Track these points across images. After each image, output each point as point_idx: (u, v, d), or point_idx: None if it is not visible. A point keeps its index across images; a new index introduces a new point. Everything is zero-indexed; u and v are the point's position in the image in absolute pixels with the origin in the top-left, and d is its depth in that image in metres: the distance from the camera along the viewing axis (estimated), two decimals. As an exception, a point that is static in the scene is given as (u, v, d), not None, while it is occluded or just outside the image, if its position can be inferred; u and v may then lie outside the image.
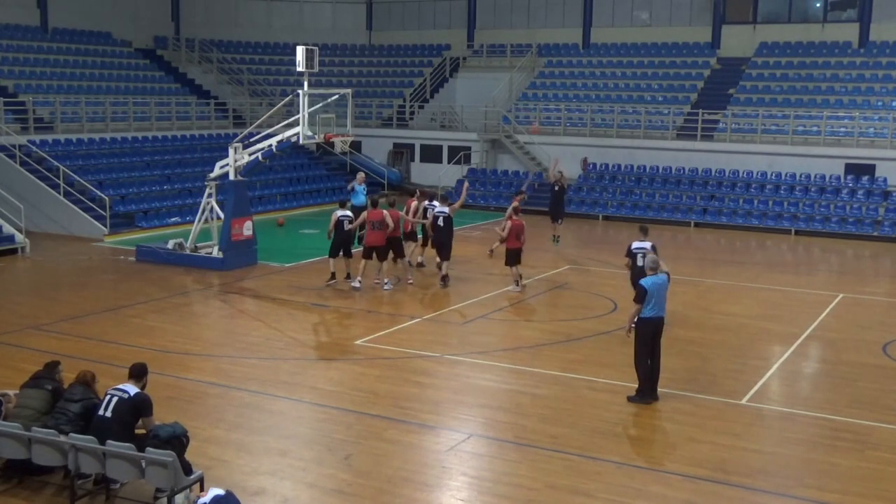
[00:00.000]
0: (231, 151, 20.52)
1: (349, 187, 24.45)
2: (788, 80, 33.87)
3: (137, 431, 9.10)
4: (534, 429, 11.20)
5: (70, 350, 13.77)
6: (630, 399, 12.18)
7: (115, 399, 9.05)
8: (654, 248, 15.35)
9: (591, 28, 38.90)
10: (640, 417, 11.79)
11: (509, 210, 19.96)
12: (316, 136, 19.89)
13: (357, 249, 19.40)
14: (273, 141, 20.28)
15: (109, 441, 8.61)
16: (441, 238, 19.31)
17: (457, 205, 20.15)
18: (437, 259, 19.50)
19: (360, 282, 18.52)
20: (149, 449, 8.49)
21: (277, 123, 22.57)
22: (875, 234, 27.35)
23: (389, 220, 18.29)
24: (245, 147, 20.81)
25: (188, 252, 21.12)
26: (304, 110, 19.27)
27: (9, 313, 16.44)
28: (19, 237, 22.61)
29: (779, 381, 13.59)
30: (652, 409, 11.98)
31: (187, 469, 8.74)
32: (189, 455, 9.02)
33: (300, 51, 19.41)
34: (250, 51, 40.90)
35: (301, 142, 19.84)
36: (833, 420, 11.79)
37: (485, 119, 35.61)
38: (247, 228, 20.90)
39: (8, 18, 32.88)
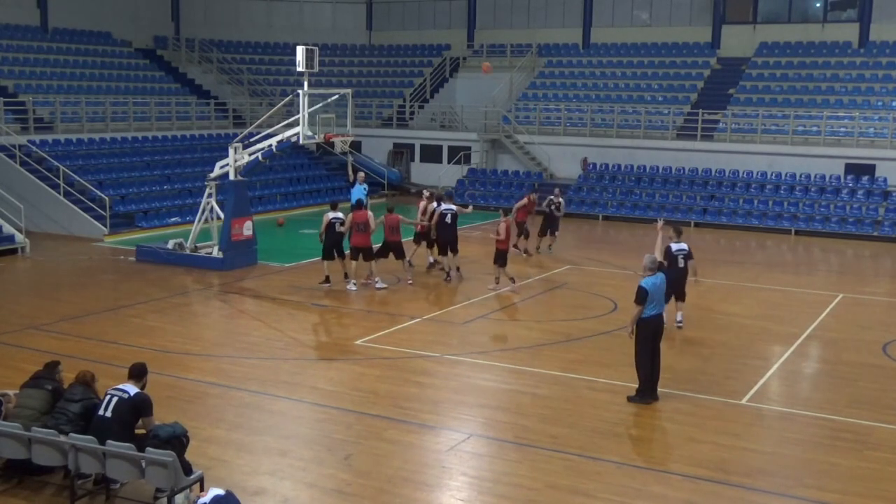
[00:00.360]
0: (231, 151, 20.52)
1: (352, 179, 24.35)
2: (788, 80, 33.87)
3: (137, 431, 9.10)
4: (534, 429, 11.19)
5: (70, 350, 13.77)
6: (630, 399, 12.18)
7: (115, 399, 9.05)
8: (689, 250, 16.00)
9: (591, 28, 38.90)
10: (641, 417, 11.79)
11: (513, 210, 19.98)
12: (316, 136, 19.90)
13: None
14: (273, 141, 20.28)
15: (109, 441, 8.60)
16: (448, 235, 19.54)
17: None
18: (439, 256, 19.61)
19: (354, 284, 18.60)
20: (149, 449, 8.49)
21: (277, 123, 22.56)
22: (875, 234, 27.34)
23: (373, 223, 18.45)
24: (245, 147, 20.81)
25: (188, 252, 21.12)
26: (304, 110, 19.27)
27: (9, 313, 16.44)
28: (19, 237, 22.60)
29: (779, 381, 13.59)
30: (652, 409, 11.98)
31: (187, 469, 8.74)
32: (189, 455, 9.02)
33: (300, 51, 19.41)
34: (250, 51, 40.89)
35: (301, 142, 19.84)
36: (833, 420, 11.79)
37: (485, 119, 35.61)
38: (247, 228, 20.90)
39: (8, 18, 32.89)
